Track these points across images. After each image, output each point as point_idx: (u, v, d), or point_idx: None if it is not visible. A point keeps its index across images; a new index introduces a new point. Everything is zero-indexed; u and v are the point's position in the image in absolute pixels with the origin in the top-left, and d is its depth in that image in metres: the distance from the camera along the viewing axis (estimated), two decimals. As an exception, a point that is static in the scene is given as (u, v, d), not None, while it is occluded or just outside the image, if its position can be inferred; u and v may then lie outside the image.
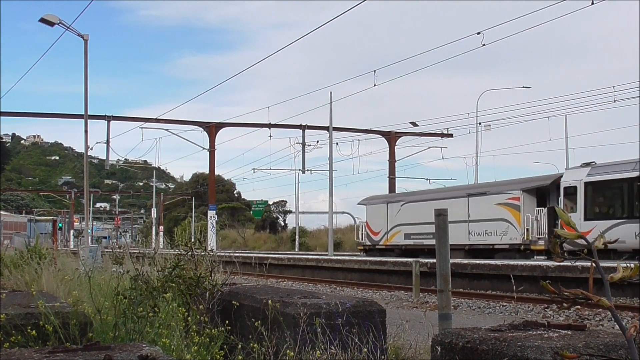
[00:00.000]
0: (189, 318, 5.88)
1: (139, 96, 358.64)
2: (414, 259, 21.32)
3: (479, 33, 27.18)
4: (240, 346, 5.34)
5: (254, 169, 61.29)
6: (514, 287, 13.25)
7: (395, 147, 55.35)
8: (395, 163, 55.50)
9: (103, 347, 3.65)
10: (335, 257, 30.95)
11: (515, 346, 3.16)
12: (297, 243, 64.19)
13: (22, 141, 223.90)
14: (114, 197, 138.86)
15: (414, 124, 51.54)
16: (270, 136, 51.05)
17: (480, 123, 49.15)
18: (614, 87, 37.00)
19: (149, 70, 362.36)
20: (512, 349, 3.16)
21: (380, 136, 55.31)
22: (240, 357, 5.21)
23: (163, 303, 6.08)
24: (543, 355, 3.01)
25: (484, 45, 27.23)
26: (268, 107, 68.72)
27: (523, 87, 55.80)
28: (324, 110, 41.98)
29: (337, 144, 48.04)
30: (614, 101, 36.83)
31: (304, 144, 51.14)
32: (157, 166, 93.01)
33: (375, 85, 36.92)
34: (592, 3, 22.72)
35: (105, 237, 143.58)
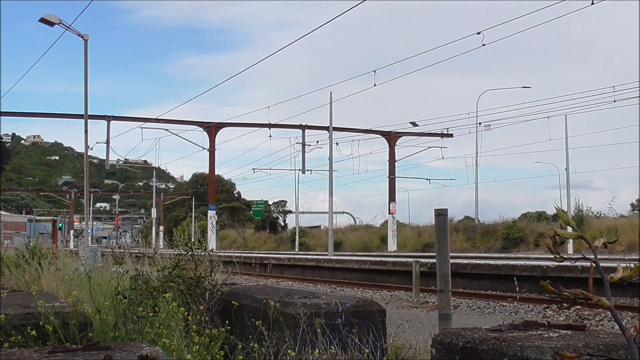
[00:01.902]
0: (189, 318, 5.88)
1: (139, 96, 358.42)
2: (414, 259, 21.28)
3: (479, 33, 27.18)
4: (240, 346, 5.34)
5: (254, 169, 61.36)
6: (517, 288, 13.23)
7: (395, 147, 55.37)
8: (395, 163, 55.54)
9: (103, 347, 3.65)
10: (335, 257, 30.95)
11: (515, 346, 3.16)
12: (297, 243, 64.17)
13: (22, 141, 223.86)
14: (114, 197, 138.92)
15: (414, 124, 51.58)
16: (270, 136, 51.11)
17: (480, 123, 49.25)
18: (614, 87, 37.00)
19: (149, 71, 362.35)
20: (512, 349, 3.16)
21: (380, 136, 55.32)
22: (240, 357, 5.21)
23: (163, 303, 6.08)
24: (543, 355, 3.01)
25: (484, 45, 27.25)
26: (268, 107, 68.61)
27: (523, 87, 55.97)
28: (324, 110, 42.02)
29: (337, 144, 48.11)
30: (614, 101, 36.85)
31: (304, 144, 51.19)
32: (157, 166, 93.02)
33: (375, 85, 36.91)
34: (592, 3, 22.73)
35: (105, 237, 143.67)
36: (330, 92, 41.15)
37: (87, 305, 5.62)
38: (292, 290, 7.09)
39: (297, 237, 64.94)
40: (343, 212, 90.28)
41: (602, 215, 48.21)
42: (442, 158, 54.88)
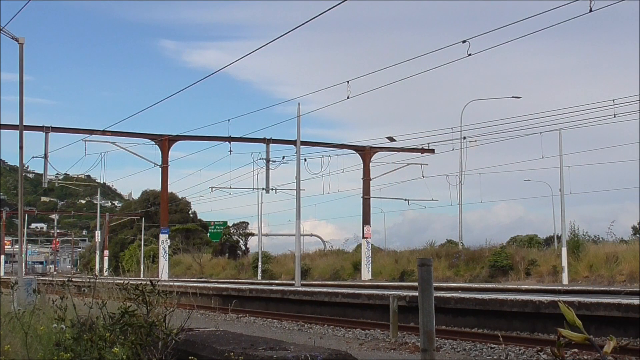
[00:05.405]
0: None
1: (84, 107, 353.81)
2: (392, 292, 21.31)
3: (464, 42, 27.39)
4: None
5: (211, 187, 61.06)
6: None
7: (370, 163, 55.52)
8: (371, 181, 55.67)
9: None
10: (303, 289, 30.89)
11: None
12: (259, 270, 64.03)
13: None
14: (52, 216, 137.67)
15: (391, 139, 51.74)
16: (230, 151, 50.87)
17: (464, 137, 49.53)
18: (613, 100, 37.35)
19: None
20: None
21: (354, 151, 55.44)
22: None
23: (110, 355, 6.03)
24: None
25: (469, 55, 27.46)
26: (229, 120, 68.18)
27: (512, 97, 55.82)
28: (292, 124, 42.00)
29: (305, 160, 48.03)
30: (614, 116, 37.29)
31: (268, 160, 51.05)
32: (102, 182, 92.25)
33: (348, 97, 36.57)
34: (590, 10, 23.09)
35: (41, 263, 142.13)
36: (299, 104, 41.26)
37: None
38: (256, 339, 7.07)
39: (259, 263, 64.79)
40: (312, 235, 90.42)
41: (601, 239, 48.58)
42: (423, 177, 55.05)
